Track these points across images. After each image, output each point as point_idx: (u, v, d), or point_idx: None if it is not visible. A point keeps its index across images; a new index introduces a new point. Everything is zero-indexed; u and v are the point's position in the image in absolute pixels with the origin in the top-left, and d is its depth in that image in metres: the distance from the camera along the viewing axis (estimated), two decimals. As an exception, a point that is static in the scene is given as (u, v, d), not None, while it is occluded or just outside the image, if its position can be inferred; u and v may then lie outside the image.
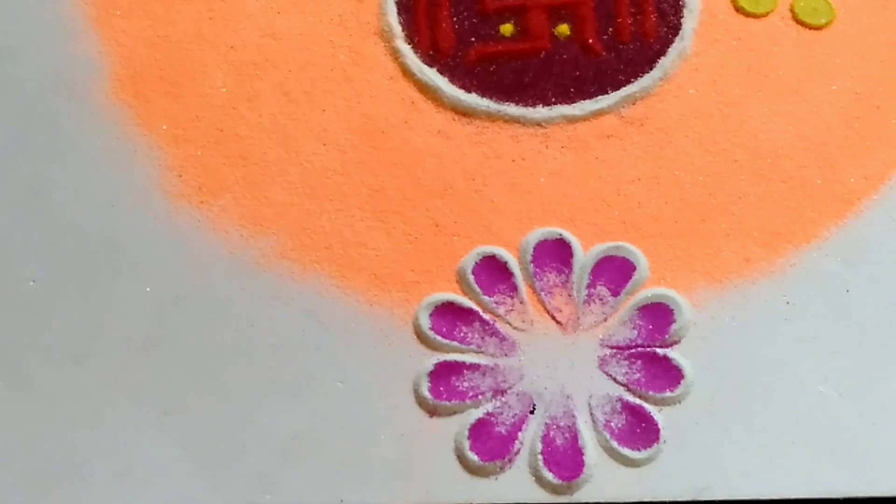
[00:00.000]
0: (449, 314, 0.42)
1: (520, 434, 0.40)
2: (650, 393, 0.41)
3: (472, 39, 0.48)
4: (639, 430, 0.40)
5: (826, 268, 0.43)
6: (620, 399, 0.40)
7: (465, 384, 0.41)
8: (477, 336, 0.42)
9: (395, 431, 0.40)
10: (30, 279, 0.44)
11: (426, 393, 0.41)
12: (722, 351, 0.41)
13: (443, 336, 0.42)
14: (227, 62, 0.48)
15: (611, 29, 0.48)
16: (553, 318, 0.42)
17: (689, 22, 0.48)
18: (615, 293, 0.42)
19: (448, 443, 0.40)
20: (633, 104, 0.47)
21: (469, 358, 0.41)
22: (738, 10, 0.48)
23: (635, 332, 0.41)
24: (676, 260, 0.43)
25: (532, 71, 0.47)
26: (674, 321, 0.42)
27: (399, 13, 0.48)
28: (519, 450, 0.40)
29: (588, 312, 0.42)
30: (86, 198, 0.45)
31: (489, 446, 0.40)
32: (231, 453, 0.40)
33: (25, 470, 0.40)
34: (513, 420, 0.40)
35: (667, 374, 0.41)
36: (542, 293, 0.42)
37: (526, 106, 0.46)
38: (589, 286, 0.42)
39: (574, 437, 0.40)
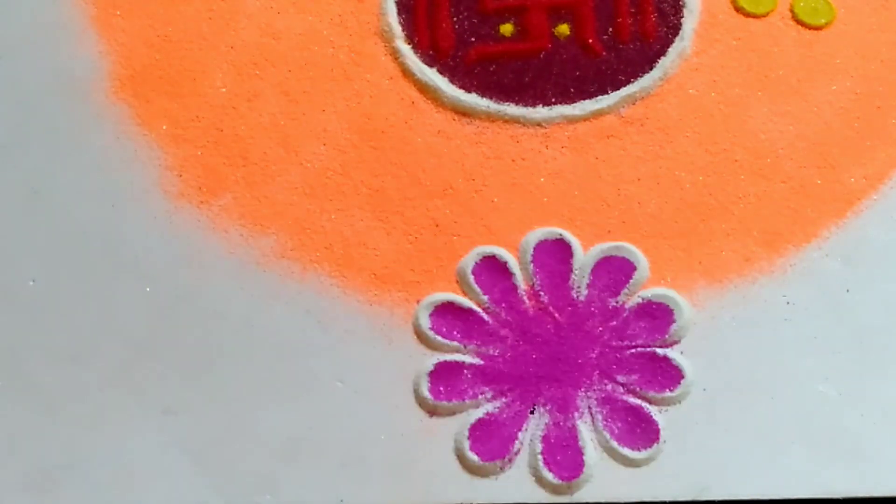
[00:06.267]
0: (449, 314, 0.42)
1: (520, 434, 0.40)
2: (650, 393, 0.40)
3: (472, 39, 0.48)
4: (639, 430, 0.40)
5: (826, 268, 0.43)
6: (620, 399, 0.40)
7: (465, 384, 0.41)
8: (477, 336, 0.42)
9: (395, 431, 0.40)
10: (30, 279, 0.44)
11: (426, 393, 0.41)
12: (722, 351, 0.41)
13: (443, 336, 0.42)
14: (227, 62, 0.48)
15: (611, 29, 0.48)
16: (553, 318, 0.42)
17: (689, 22, 0.48)
18: (615, 293, 0.42)
19: (448, 443, 0.40)
20: (633, 104, 0.47)
21: (469, 358, 0.41)
22: (738, 10, 0.48)
23: (635, 332, 0.41)
24: (676, 260, 0.43)
25: (532, 71, 0.47)
26: (674, 321, 0.42)
27: (399, 13, 0.48)
28: (519, 450, 0.40)
29: (588, 313, 0.42)
30: (86, 198, 0.45)
31: (489, 446, 0.40)
32: (231, 453, 0.40)
33: (25, 470, 0.40)
34: (513, 420, 0.40)
35: (667, 374, 0.41)
36: (543, 293, 0.42)
37: (526, 106, 0.46)
38: (589, 286, 0.42)
39: (574, 437, 0.40)
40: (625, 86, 0.47)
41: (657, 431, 0.40)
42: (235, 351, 0.42)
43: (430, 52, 0.48)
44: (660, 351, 0.41)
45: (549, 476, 0.39)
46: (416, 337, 0.42)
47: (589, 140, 0.46)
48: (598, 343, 0.41)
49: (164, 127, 0.47)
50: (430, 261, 0.44)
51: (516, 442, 0.40)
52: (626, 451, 0.40)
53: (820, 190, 0.44)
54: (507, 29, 0.48)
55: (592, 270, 0.42)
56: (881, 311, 0.42)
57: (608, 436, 0.40)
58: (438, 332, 0.42)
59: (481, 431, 0.40)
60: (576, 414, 0.40)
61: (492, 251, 0.43)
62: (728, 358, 0.41)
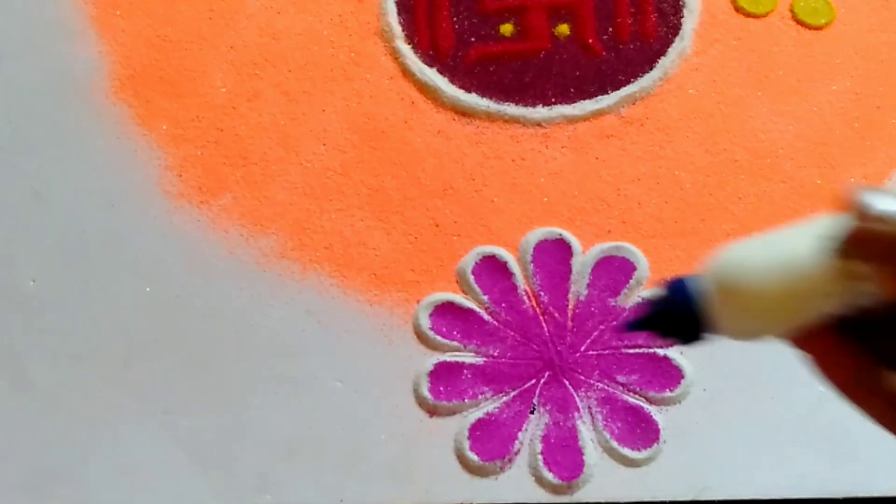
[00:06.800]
0: (449, 314, 0.42)
1: (520, 434, 0.40)
2: (650, 393, 0.40)
3: (472, 39, 0.48)
4: (639, 430, 0.40)
5: (826, 268, 0.43)
6: (620, 399, 0.40)
7: (465, 384, 0.41)
8: (477, 336, 0.42)
9: (395, 431, 0.40)
10: (30, 279, 0.44)
11: (426, 393, 0.41)
12: (722, 351, 0.41)
13: (443, 336, 0.42)
14: (227, 62, 0.48)
15: (611, 29, 0.48)
16: (553, 318, 0.42)
17: (689, 22, 0.48)
18: (615, 293, 0.42)
19: (448, 443, 0.40)
20: (633, 104, 0.47)
21: (469, 358, 0.41)
22: (738, 10, 0.48)
23: (635, 332, 0.41)
24: (676, 260, 0.43)
25: (532, 71, 0.47)
26: (674, 321, 0.42)
27: (399, 13, 0.48)
28: (519, 450, 0.40)
29: (588, 313, 0.42)
30: (86, 198, 0.45)
31: (489, 446, 0.40)
32: (231, 453, 0.40)
33: (25, 470, 0.40)
34: (513, 420, 0.40)
35: (667, 374, 0.41)
36: (542, 293, 0.42)
37: (526, 106, 0.46)
38: (589, 286, 0.42)
39: (574, 437, 0.40)
40: (625, 86, 0.47)
41: (657, 431, 0.40)
42: (235, 351, 0.42)
43: (430, 52, 0.48)
44: (660, 351, 0.41)
45: (549, 476, 0.39)
46: (416, 337, 0.42)
47: (589, 140, 0.46)
48: (598, 343, 0.41)
49: (164, 127, 0.47)
50: (430, 261, 0.44)
51: (516, 442, 0.40)
52: (626, 451, 0.40)
53: (820, 190, 0.44)
54: (507, 29, 0.48)
55: (592, 270, 0.42)
56: (881, 311, 0.42)
57: (608, 436, 0.40)
58: (438, 332, 0.42)
59: (481, 431, 0.40)
60: (576, 414, 0.40)
61: (492, 251, 0.43)
62: (728, 358, 0.41)
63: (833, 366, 0.32)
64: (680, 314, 0.34)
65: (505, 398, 0.41)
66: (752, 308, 0.32)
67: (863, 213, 0.29)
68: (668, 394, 0.40)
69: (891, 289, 0.29)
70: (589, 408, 0.40)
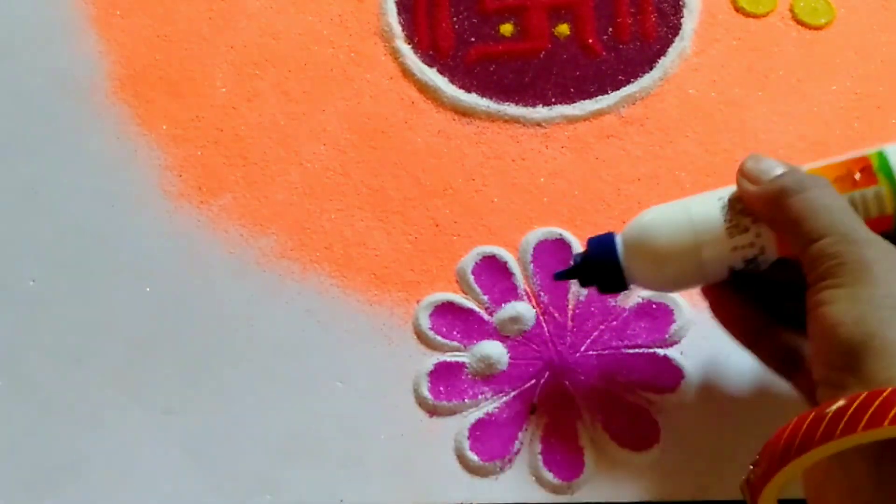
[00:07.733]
0: (449, 314, 0.42)
1: (520, 434, 0.40)
2: (650, 393, 0.40)
3: (472, 39, 0.48)
4: (639, 430, 0.40)
5: (826, 268, 0.43)
6: (620, 399, 0.40)
7: (465, 384, 0.41)
8: (477, 336, 0.42)
9: (395, 431, 0.40)
10: (30, 279, 0.44)
11: (426, 393, 0.41)
12: (722, 351, 0.41)
13: (443, 336, 0.42)
14: (227, 62, 0.48)
15: (611, 29, 0.48)
16: (553, 317, 0.42)
17: (689, 22, 0.48)
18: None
19: (448, 443, 0.40)
20: (633, 104, 0.47)
21: (469, 358, 0.41)
22: (738, 10, 0.48)
23: (635, 331, 0.41)
24: (676, 260, 0.43)
25: (532, 71, 0.47)
26: (674, 321, 0.42)
27: (399, 13, 0.48)
28: (519, 450, 0.40)
29: (588, 313, 0.42)
30: (85, 198, 0.45)
31: (489, 446, 0.40)
32: (231, 453, 0.40)
33: (25, 470, 0.40)
34: (513, 420, 0.40)
35: (667, 374, 0.41)
36: (542, 293, 0.42)
37: (526, 106, 0.46)
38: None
39: (574, 437, 0.40)
40: (625, 86, 0.47)
41: (657, 431, 0.40)
42: (235, 351, 0.42)
43: (430, 52, 0.48)
44: (660, 351, 0.41)
45: (549, 476, 0.39)
46: (416, 337, 0.42)
47: (589, 140, 0.46)
48: (598, 343, 0.41)
49: (164, 127, 0.47)
50: (430, 261, 0.44)
51: (516, 442, 0.40)
52: (626, 452, 0.40)
53: (820, 190, 0.44)
54: (507, 29, 0.48)
55: (592, 270, 0.42)
56: (881, 311, 0.42)
57: (608, 436, 0.40)
58: (438, 332, 0.42)
59: (481, 431, 0.40)
60: (576, 414, 0.40)
61: (492, 251, 0.43)
62: (728, 358, 0.41)
63: (734, 319, 0.37)
64: (599, 264, 0.37)
65: (505, 398, 0.41)
66: (656, 259, 0.36)
67: (742, 173, 0.35)
68: (668, 394, 0.40)
69: (777, 246, 0.34)
70: (589, 408, 0.40)
